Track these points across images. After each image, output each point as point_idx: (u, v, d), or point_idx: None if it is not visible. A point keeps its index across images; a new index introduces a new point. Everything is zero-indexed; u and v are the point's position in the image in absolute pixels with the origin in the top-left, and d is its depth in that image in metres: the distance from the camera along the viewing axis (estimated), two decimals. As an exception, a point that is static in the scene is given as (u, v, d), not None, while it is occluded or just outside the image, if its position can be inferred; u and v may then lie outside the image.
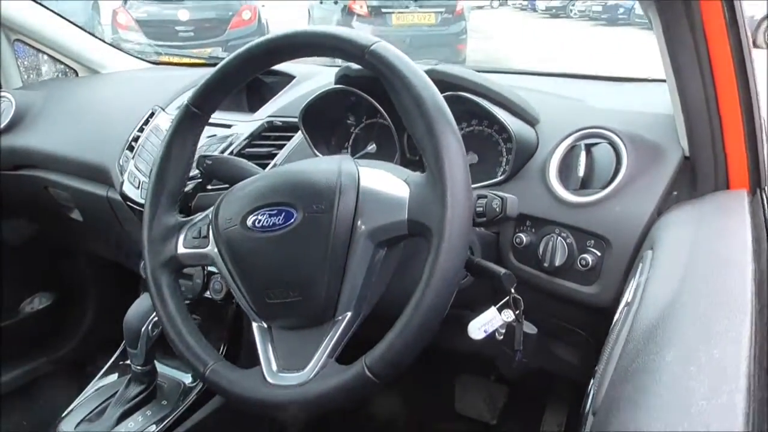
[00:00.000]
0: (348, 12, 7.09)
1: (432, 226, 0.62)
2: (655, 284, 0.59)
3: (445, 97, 0.91)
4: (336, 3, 7.52)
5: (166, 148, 0.78)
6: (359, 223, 0.66)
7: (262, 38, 0.75)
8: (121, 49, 1.75)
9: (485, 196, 0.71)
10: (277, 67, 0.79)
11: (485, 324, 0.74)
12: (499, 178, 0.90)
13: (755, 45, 9.65)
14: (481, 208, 0.70)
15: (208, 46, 5.98)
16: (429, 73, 0.94)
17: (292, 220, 0.67)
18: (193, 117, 0.78)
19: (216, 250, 0.73)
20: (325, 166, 0.71)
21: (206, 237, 0.75)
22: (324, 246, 0.66)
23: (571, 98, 1.03)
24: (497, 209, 0.69)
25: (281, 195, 0.69)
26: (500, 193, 0.71)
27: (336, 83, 1.02)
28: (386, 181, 0.69)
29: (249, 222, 0.69)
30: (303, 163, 0.76)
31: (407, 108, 0.65)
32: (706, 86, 0.72)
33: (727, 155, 0.75)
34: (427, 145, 0.63)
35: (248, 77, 0.78)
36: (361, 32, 0.69)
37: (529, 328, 0.77)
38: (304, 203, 0.67)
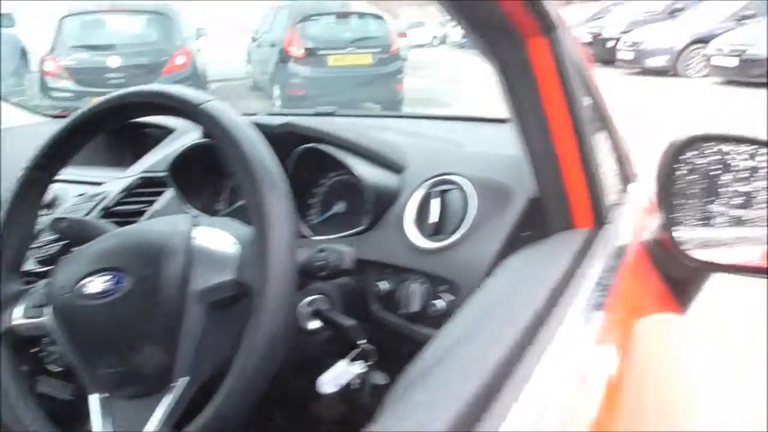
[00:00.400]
0: (284, 54, 7.16)
1: (254, 285, 0.62)
2: (455, 317, 0.61)
3: (303, 150, 0.92)
4: (272, 46, 7.59)
5: (6, 214, 0.76)
6: (191, 284, 0.66)
7: (107, 96, 0.74)
8: (14, 104, 1.71)
9: (325, 250, 0.71)
10: (158, 119, 0.78)
11: (336, 377, 0.74)
12: (362, 227, 0.91)
13: (677, 74, 10.19)
14: (323, 262, 0.71)
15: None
16: (283, 126, 0.96)
17: (123, 286, 0.66)
18: (35, 179, 0.77)
19: (52, 319, 0.71)
20: (158, 227, 0.70)
21: (45, 305, 0.73)
22: (154, 311, 0.65)
23: (441, 141, 1.06)
24: (335, 263, 0.70)
25: (112, 260, 0.68)
26: (338, 247, 0.71)
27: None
28: (220, 240, 0.69)
29: (82, 289, 0.68)
30: (140, 224, 0.75)
31: (235, 166, 0.65)
32: (543, 128, 0.74)
33: (570, 195, 0.77)
34: (252, 204, 0.63)
35: (95, 134, 0.77)
36: (192, 90, 0.70)
37: (382, 378, 0.77)
38: (133, 267, 0.66)
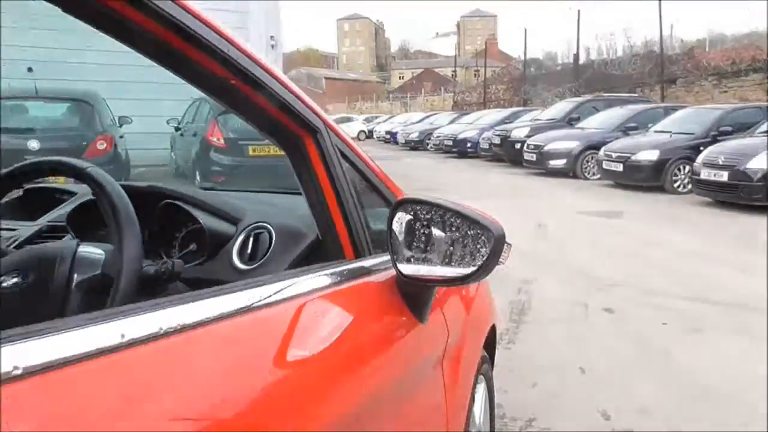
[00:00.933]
0: (206, 143, 7.50)
1: (114, 276, 0.90)
2: None
3: (164, 204, 1.23)
4: (194, 135, 7.93)
5: None
6: (75, 278, 0.94)
7: (23, 162, 1.04)
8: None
9: (166, 263, 1.00)
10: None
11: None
12: (203, 258, 1.22)
13: (574, 175, 11.23)
14: (165, 268, 0.99)
15: (58, 175, 6.04)
16: (151, 187, 1.27)
17: (27, 280, 0.93)
18: None
19: None
20: (55, 245, 0.99)
21: None
22: (49, 297, 0.92)
23: (266, 204, 1.41)
24: (172, 269, 0.99)
25: (22, 264, 0.94)
26: (175, 260, 1.01)
27: None
28: (95, 252, 0.97)
29: (2, 284, 0.93)
30: (44, 244, 1.03)
31: (106, 209, 0.94)
32: (320, 195, 1.05)
33: (339, 235, 1.09)
34: (113, 231, 0.92)
35: (12, 188, 1.06)
36: (80, 161, 1.01)
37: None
38: (35, 268, 0.94)
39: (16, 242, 1.31)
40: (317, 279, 0.90)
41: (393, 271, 1.00)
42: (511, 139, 13.82)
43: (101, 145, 6.74)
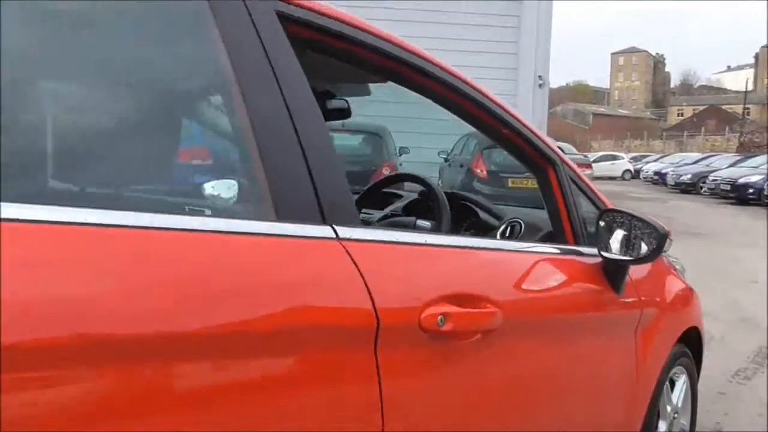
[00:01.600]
0: (471, 174, 8.41)
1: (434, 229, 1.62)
2: None
3: (460, 203, 1.92)
4: (461, 166, 8.89)
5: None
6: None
7: (390, 174, 1.84)
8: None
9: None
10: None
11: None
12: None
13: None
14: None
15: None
16: (453, 193, 1.99)
17: None
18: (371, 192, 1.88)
19: None
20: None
21: None
22: None
23: (520, 213, 2.01)
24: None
25: None
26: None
27: None
28: (424, 224, 1.70)
29: None
30: None
31: (433, 203, 1.67)
32: (554, 208, 1.66)
33: (566, 230, 1.65)
34: (437, 219, 1.64)
35: (384, 187, 1.86)
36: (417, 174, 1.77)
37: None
38: None
39: (377, 220, 2.12)
40: (550, 249, 1.48)
41: (599, 257, 1.52)
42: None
43: (386, 171, 8.08)
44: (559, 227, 1.58)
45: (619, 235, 1.46)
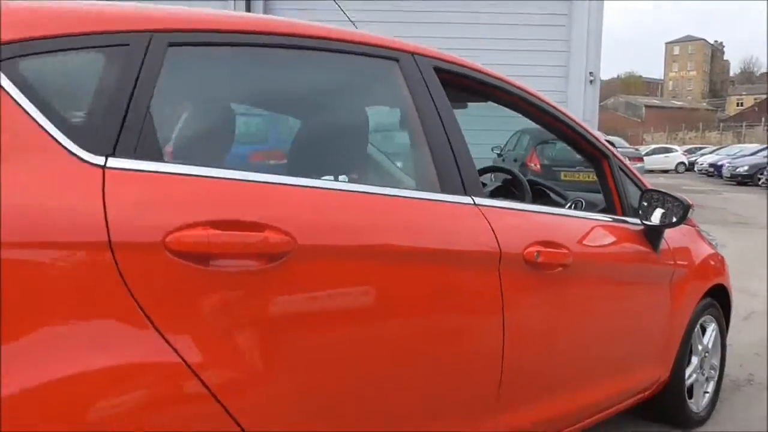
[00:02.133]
0: (525, 168, 8.92)
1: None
2: None
3: (537, 187, 2.52)
4: (515, 161, 9.40)
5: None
6: None
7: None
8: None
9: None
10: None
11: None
12: None
13: None
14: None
15: None
16: (530, 180, 2.58)
17: None
18: None
19: None
20: None
21: None
22: None
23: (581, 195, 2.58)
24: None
25: None
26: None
27: None
28: None
29: None
30: None
31: (518, 186, 2.27)
32: (607, 191, 2.22)
33: (616, 206, 2.23)
34: (519, 187, 2.24)
35: None
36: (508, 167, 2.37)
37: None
38: None
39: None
40: (605, 218, 2.06)
41: (640, 225, 2.09)
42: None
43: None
44: (611, 203, 2.15)
45: (656, 208, 2.03)
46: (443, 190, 1.49)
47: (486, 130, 10.80)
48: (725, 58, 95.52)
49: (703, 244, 2.54)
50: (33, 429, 0.87)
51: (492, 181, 2.63)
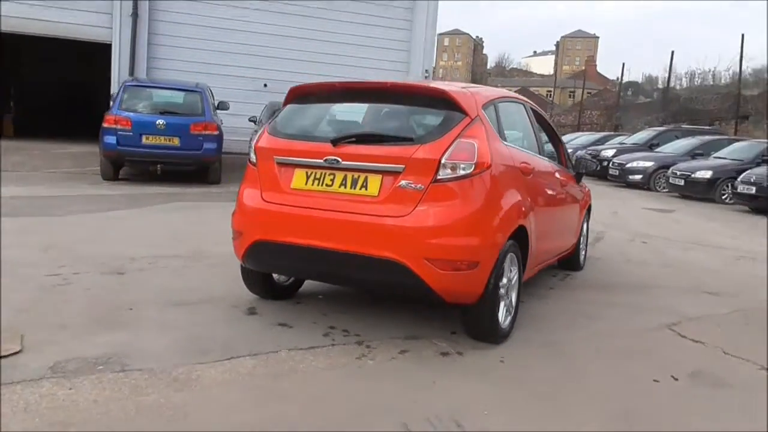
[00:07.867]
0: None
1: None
2: None
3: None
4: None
5: None
6: None
7: None
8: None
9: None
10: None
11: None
12: None
13: (648, 188, 14.47)
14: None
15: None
16: None
17: None
18: None
19: None
20: None
21: None
22: None
23: None
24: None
25: None
26: None
27: None
28: None
29: None
30: None
31: None
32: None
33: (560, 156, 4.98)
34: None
35: None
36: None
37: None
38: None
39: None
40: (561, 167, 4.78)
41: (573, 172, 4.92)
42: (600, 157, 16.89)
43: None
44: (564, 162, 4.91)
45: (579, 165, 4.86)
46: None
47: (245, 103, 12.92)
48: (484, 52, 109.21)
49: (588, 191, 5.54)
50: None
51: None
